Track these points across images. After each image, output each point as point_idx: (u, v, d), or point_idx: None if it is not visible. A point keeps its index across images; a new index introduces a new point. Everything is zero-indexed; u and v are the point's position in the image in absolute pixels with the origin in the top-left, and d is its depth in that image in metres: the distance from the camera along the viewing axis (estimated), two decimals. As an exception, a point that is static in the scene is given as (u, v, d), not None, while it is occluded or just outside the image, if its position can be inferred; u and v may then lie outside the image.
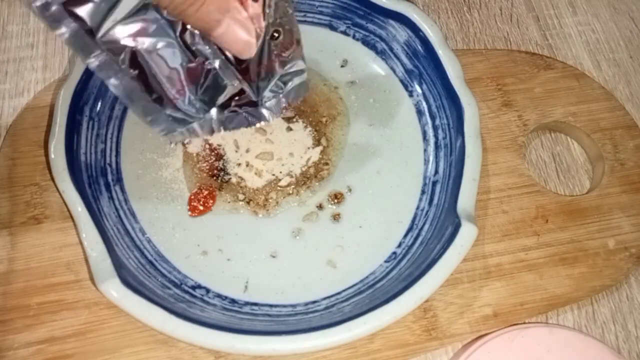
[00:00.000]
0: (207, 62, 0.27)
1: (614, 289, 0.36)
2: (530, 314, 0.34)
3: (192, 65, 0.27)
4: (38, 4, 0.23)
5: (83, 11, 0.24)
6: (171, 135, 0.29)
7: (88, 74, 0.35)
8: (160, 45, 0.26)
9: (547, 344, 0.32)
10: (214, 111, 0.29)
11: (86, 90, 0.36)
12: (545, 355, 0.32)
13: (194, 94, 0.28)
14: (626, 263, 0.35)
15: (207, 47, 0.27)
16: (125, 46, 0.25)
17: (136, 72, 0.26)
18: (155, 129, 0.29)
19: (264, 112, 0.30)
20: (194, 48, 0.27)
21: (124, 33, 0.25)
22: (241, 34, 0.26)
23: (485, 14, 0.46)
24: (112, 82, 0.26)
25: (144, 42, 0.26)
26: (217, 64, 0.28)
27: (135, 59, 0.26)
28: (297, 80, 0.30)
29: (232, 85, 0.29)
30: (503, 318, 0.34)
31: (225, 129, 0.30)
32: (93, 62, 0.25)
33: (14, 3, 0.43)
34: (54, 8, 0.23)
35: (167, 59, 0.26)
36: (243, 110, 0.30)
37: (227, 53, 0.28)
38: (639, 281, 0.36)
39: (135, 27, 0.25)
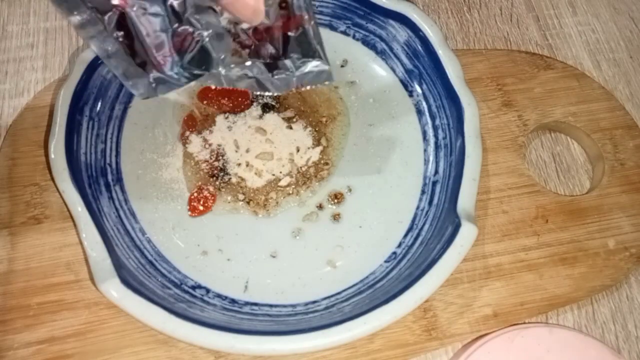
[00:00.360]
0: (196, 33, 0.27)
1: (614, 289, 0.36)
2: (530, 314, 0.34)
3: (180, 32, 0.26)
4: None
5: None
6: (161, 88, 0.28)
7: (88, 74, 0.35)
8: (150, 9, 0.25)
9: (547, 344, 0.32)
10: (221, 68, 0.28)
11: (86, 90, 0.36)
12: (545, 355, 0.32)
13: (179, 62, 0.27)
14: (626, 263, 0.35)
15: (200, 18, 0.26)
16: (113, 5, 0.25)
17: (122, 33, 0.25)
18: (135, 92, 0.28)
19: (270, 84, 0.29)
20: (185, 17, 0.26)
21: None
22: (249, 1, 0.26)
23: (485, 14, 0.46)
24: (95, 42, 0.25)
25: (133, 4, 0.25)
26: (207, 34, 0.27)
27: (122, 20, 0.25)
28: (314, 66, 0.29)
29: (221, 59, 0.28)
30: (503, 318, 0.34)
31: (232, 86, 0.29)
32: (76, 18, 0.24)
33: (14, 3, 0.43)
34: None
35: (155, 24, 0.26)
36: (253, 73, 0.29)
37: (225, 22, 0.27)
38: (639, 281, 0.36)
39: None
